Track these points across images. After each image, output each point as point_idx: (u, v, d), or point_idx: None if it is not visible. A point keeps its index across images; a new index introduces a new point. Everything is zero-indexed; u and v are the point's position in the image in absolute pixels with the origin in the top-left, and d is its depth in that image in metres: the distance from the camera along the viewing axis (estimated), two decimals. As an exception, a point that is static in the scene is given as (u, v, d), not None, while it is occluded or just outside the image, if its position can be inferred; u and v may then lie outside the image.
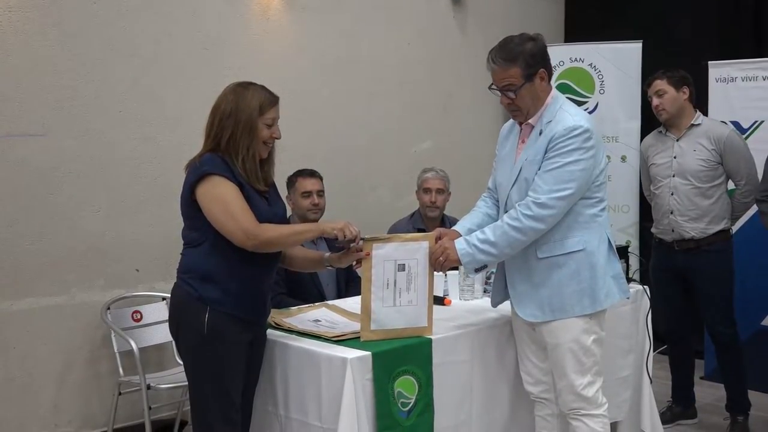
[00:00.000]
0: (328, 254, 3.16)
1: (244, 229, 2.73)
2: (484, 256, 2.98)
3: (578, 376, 3.04)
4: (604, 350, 3.19)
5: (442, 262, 3.01)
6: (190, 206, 2.82)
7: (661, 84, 4.36)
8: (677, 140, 4.38)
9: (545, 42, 3.06)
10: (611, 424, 3.77)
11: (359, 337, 2.93)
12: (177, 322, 2.89)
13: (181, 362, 4.24)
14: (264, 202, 2.89)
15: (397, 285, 2.95)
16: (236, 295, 2.81)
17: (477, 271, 3.11)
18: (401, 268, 2.95)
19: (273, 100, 2.89)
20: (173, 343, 4.30)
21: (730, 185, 4.44)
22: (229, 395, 2.82)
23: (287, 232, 2.90)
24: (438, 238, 3.06)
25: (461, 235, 3.14)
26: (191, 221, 2.86)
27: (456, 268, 3.67)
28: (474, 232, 3.10)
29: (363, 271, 2.91)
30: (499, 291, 3.24)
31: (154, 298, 4.39)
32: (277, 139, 2.92)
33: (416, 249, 3.00)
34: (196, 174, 2.77)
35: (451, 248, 3.00)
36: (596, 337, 3.06)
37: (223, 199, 2.75)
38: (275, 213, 2.94)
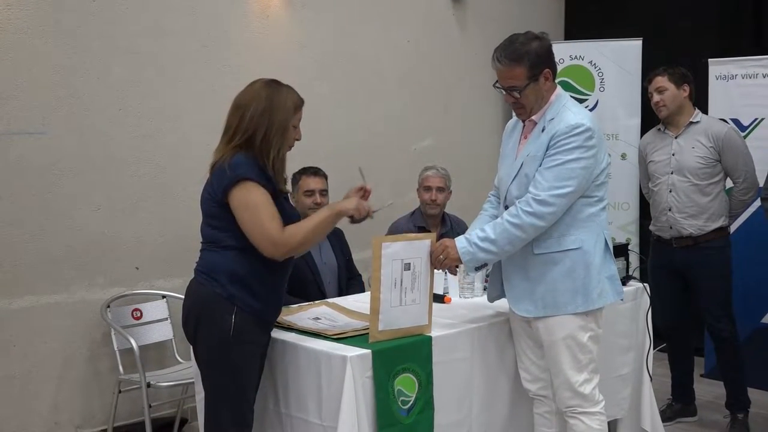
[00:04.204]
0: None
1: (271, 238, 2.73)
2: (485, 254, 2.99)
3: (574, 372, 3.04)
4: (603, 348, 3.19)
5: (442, 260, 3.02)
6: (222, 207, 2.78)
7: (661, 81, 4.36)
8: (676, 137, 4.38)
9: (550, 41, 3.07)
10: (611, 422, 3.78)
11: (360, 335, 2.93)
12: (197, 320, 2.82)
13: (182, 361, 4.29)
14: (288, 205, 2.94)
15: (403, 284, 2.94)
16: (264, 298, 2.81)
17: (478, 269, 3.11)
18: (407, 267, 2.95)
19: (301, 101, 2.90)
20: (173, 341, 4.35)
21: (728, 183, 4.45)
22: (245, 395, 2.82)
23: (311, 227, 2.86)
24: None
25: None
26: (220, 222, 2.81)
27: (456, 267, 3.68)
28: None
29: (372, 271, 2.89)
30: (496, 286, 3.24)
31: (154, 296, 4.39)
32: (298, 140, 2.92)
33: (420, 247, 3.00)
34: (231, 178, 2.74)
35: (451, 246, 3.01)
36: (592, 334, 3.06)
37: (254, 207, 2.73)
38: (296, 215, 2.98)
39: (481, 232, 3.00)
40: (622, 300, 3.24)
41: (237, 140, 2.80)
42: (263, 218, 2.73)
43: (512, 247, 2.98)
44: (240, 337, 2.77)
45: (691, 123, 4.37)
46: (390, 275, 2.91)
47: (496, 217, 3.27)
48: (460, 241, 3.01)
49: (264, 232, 2.73)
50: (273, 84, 2.87)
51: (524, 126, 3.14)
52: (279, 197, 2.84)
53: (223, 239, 2.80)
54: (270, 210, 2.76)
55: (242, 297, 2.77)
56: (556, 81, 3.12)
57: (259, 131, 2.78)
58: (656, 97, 4.38)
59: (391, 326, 2.92)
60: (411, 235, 3.08)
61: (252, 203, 2.74)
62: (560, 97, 3.07)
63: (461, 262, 3.03)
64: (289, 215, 2.87)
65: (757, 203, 4.51)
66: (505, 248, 2.98)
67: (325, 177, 4.43)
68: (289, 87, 2.90)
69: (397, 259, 2.92)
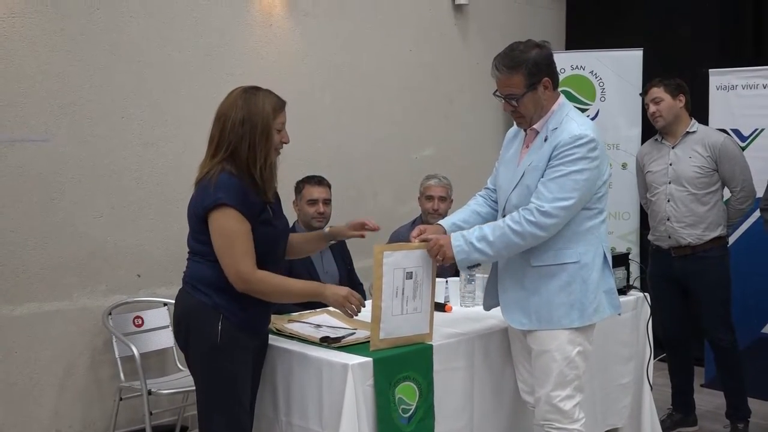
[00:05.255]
0: (327, 229, 3.16)
1: (239, 271, 2.72)
2: (479, 255, 2.94)
3: (557, 387, 3.00)
4: (603, 357, 3.18)
5: (440, 260, 2.98)
6: (204, 223, 2.77)
7: (657, 91, 4.38)
8: (673, 147, 4.40)
9: (551, 49, 3.05)
10: (611, 430, 3.78)
11: (361, 343, 2.94)
12: (187, 329, 2.84)
13: (183, 368, 4.30)
14: (278, 221, 2.90)
15: (405, 293, 2.94)
16: (249, 308, 2.80)
17: (470, 268, 3.06)
18: (409, 275, 2.94)
19: (282, 103, 2.86)
20: (174, 348, 4.36)
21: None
22: (239, 400, 2.82)
23: (280, 290, 2.86)
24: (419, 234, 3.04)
25: (444, 230, 3.12)
26: (202, 236, 2.80)
27: (457, 273, 3.69)
28: (460, 228, 3.09)
29: (374, 280, 2.89)
30: (492, 295, 3.20)
31: (156, 303, 4.41)
32: (286, 143, 2.88)
33: (421, 256, 2.99)
34: (212, 201, 2.72)
35: (446, 245, 2.95)
36: (581, 350, 3.02)
37: (230, 236, 2.72)
38: (282, 232, 2.95)
39: (479, 231, 2.95)
40: (619, 314, 3.20)
41: (222, 153, 2.77)
42: (237, 251, 2.72)
43: (508, 251, 2.96)
44: (229, 343, 2.78)
45: (688, 133, 4.38)
46: (391, 284, 2.91)
47: (477, 212, 3.25)
48: (456, 239, 2.96)
49: (234, 265, 2.72)
50: (250, 90, 2.82)
51: (526, 134, 3.11)
52: (266, 211, 2.82)
53: (207, 252, 2.79)
54: (245, 244, 2.73)
55: (228, 306, 2.78)
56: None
57: (243, 141, 2.75)
58: (652, 108, 4.40)
59: (391, 335, 2.92)
60: (412, 244, 3.04)
61: (228, 232, 2.72)
62: (563, 106, 3.04)
63: (455, 260, 2.98)
64: (277, 235, 2.86)
65: (757, 213, 4.52)
66: (501, 252, 2.95)
67: (329, 186, 4.45)
68: (267, 91, 2.84)
69: (399, 268, 2.92)
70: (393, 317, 2.91)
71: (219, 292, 2.78)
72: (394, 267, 2.91)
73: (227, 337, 2.77)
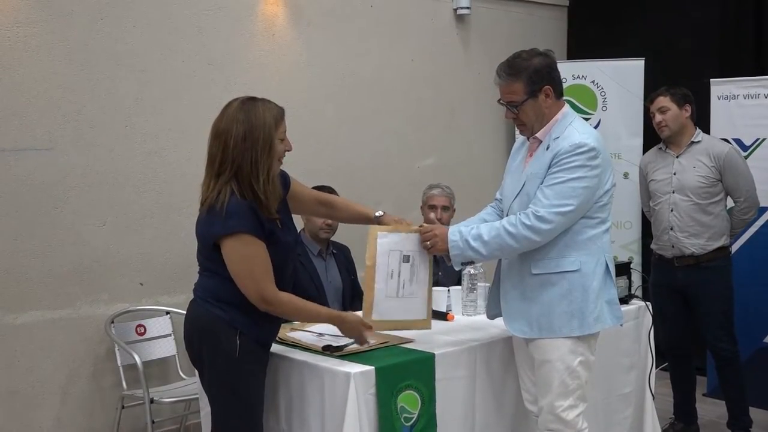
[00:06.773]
0: (381, 214, 3.13)
1: (263, 295, 2.70)
2: (473, 253, 2.96)
3: (560, 396, 3.00)
4: (605, 367, 3.17)
5: (428, 247, 3.01)
6: (213, 247, 2.72)
7: (664, 101, 4.39)
8: (677, 157, 4.40)
9: (555, 58, 3.05)
10: (613, 440, 3.78)
11: (363, 352, 2.94)
12: (200, 343, 2.79)
13: (185, 377, 4.30)
14: (282, 246, 2.81)
15: (401, 276, 2.96)
16: (262, 322, 2.78)
17: (463, 264, 3.07)
18: (406, 259, 2.97)
19: (281, 111, 2.78)
20: (177, 357, 4.36)
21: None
22: (254, 414, 2.80)
23: (303, 314, 2.89)
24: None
25: None
26: (212, 255, 2.74)
27: (459, 282, 3.69)
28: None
29: (367, 258, 2.90)
30: (496, 304, 3.20)
31: (158, 312, 4.41)
32: (289, 151, 2.82)
33: (417, 240, 3.02)
34: (223, 229, 2.66)
35: (441, 237, 2.98)
36: (583, 359, 3.01)
37: (248, 261, 2.67)
38: (291, 248, 2.90)
39: (475, 230, 2.97)
40: (621, 325, 3.18)
41: (227, 173, 2.68)
42: (257, 274, 2.68)
43: (501, 253, 2.98)
44: (245, 357, 2.75)
45: (693, 143, 4.39)
46: (386, 265, 2.93)
47: (485, 221, 3.21)
48: (453, 234, 2.98)
49: (257, 289, 2.69)
50: (248, 102, 2.73)
51: (531, 144, 3.12)
52: (274, 230, 2.76)
53: (219, 269, 2.75)
54: (264, 265, 2.70)
55: (243, 320, 2.75)
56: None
57: (246, 156, 2.66)
58: (658, 117, 4.41)
59: (384, 317, 2.95)
60: (407, 227, 3.05)
61: (245, 258, 2.68)
62: (567, 115, 3.04)
63: (448, 254, 2.99)
64: (282, 254, 2.79)
65: (759, 223, 4.53)
66: (494, 253, 2.96)
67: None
68: (265, 101, 2.75)
69: (396, 250, 2.94)
70: (387, 299, 2.94)
71: (234, 307, 2.74)
72: (390, 248, 2.94)
73: (245, 352, 2.74)
